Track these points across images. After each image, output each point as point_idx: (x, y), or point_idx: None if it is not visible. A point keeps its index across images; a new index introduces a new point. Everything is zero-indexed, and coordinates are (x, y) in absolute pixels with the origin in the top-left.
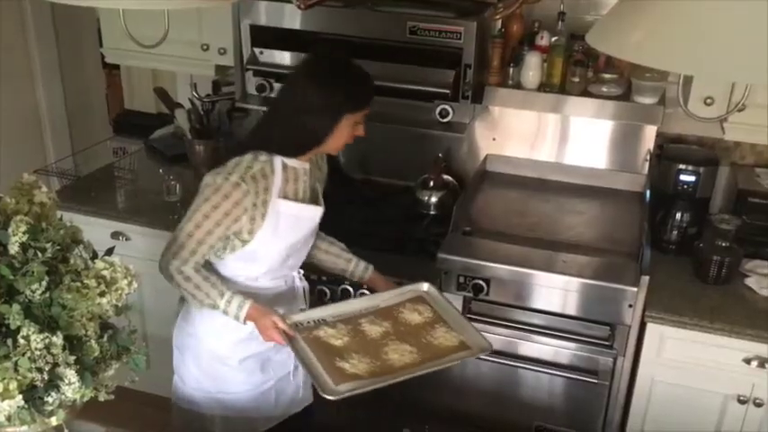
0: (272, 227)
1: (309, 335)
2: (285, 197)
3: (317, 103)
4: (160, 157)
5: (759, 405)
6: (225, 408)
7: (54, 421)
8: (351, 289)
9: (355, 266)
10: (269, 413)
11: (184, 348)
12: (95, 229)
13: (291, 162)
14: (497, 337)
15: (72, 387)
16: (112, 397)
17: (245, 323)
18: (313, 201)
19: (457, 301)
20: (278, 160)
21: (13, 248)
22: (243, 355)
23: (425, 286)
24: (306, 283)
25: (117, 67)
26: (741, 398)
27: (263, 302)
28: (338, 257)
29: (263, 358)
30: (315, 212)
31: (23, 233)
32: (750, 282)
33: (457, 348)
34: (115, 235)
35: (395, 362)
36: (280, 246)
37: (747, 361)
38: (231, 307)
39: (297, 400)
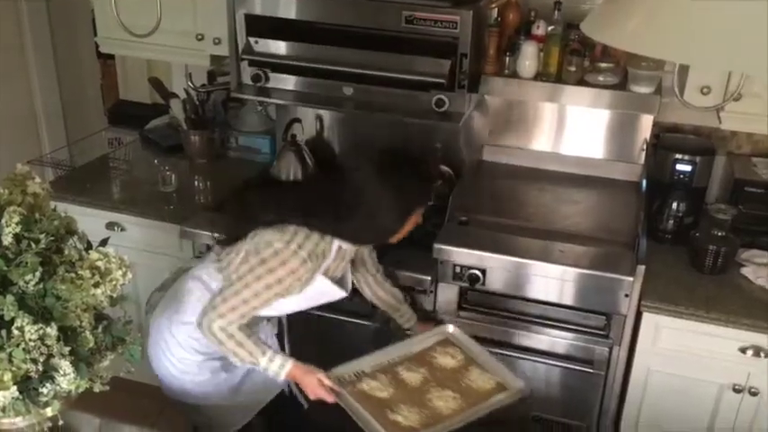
0: (298, 295)
1: (354, 389)
2: (325, 274)
3: (392, 205)
4: (155, 147)
5: (754, 394)
6: (197, 400)
7: (49, 412)
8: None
9: (402, 318)
10: (245, 404)
11: (158, 347)
12: (90, 220)
13: (347, 246)
14: (493, 327)
15: (67, 378)
16: (108, 388)
17: (283, 379)
18: (342, 281)
19: (453, 291)
20: (336, 243)
21: (7, 239)
22: (202, 358)
23: (451, 328)
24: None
25: (112, 57)
26: (736, 387)
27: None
28: (390, 307)
29: (222, 356)
30: (338, 294)
31: (17, 224)
32: (746, 271)
33: (495, 390)
34: (110, 225)
35: (442, 409)
36: (290, 307)
37: (743, 350)
38: (273, 365)
39: (270, 386)
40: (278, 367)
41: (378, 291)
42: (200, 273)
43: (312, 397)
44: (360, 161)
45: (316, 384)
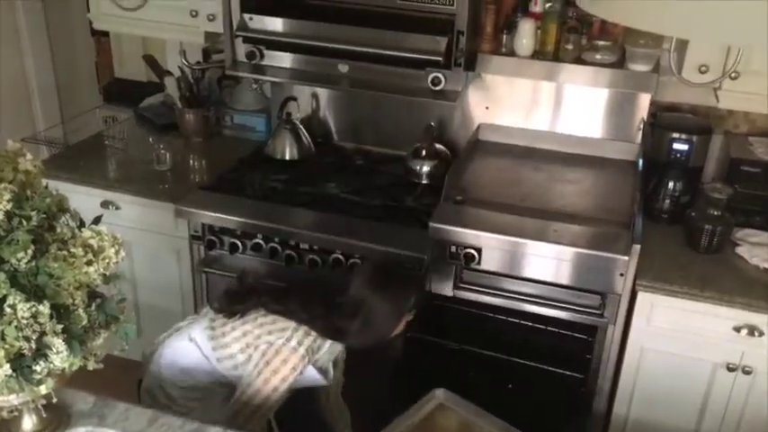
0: None
1: None
2: (313, 364)
3: (387, 314)
4: (150, 125)
5: (748, 373)
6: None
7: (43, 390)
8: (342, 257)
9: None
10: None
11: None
12: (85, 198)
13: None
14: (489, 306)
15: (60, 356)
16: (101, 366)
17: None
18: (326, 370)
19: (448, 270)
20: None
21: None
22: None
23: (441, 393)
24: None
25: (106, 34)
26: (730, 366)
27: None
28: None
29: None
30: (320, 382)
31: (8, 201)
32: (741, 251)
33: None
34: (105, 204)
35: None
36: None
37: (737, 329)
38: None
39: None
40: None
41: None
42: (195, 335)
43: None
44: (358, 268)
45: None
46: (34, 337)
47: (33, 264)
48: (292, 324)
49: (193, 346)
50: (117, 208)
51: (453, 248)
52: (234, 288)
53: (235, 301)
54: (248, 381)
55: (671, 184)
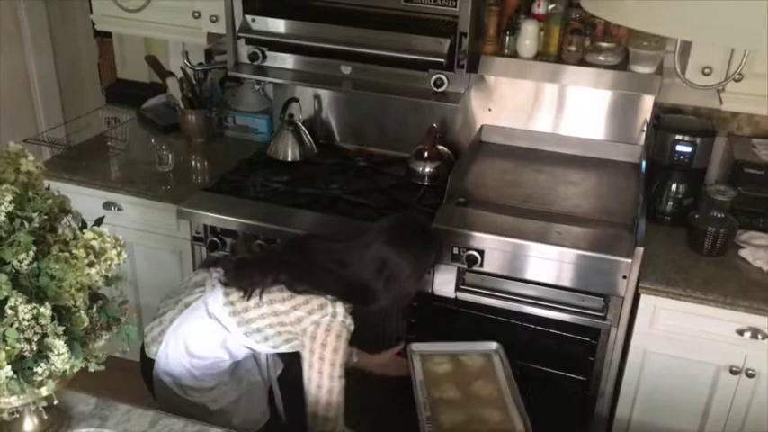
0: None
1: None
2: None
3: (412, 270)
4: (152, 126)
5: (751, 376)
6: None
7: (44, 391)
8: None
9: None
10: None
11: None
12: (87, 199)
13: None
14: (491, 308)
15: (61, 357)
16: (103, 367)
17: None
18: None
19: (451, 272)
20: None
21: (0, 218)
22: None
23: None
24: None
25: (109, 35)
26: (733, 368)
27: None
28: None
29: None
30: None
31: (9, 202)
32: (744, 253)
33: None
34: (107, 205)
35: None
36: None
37: (740, 332)
38: None
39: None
40: None
41: None
42: (213, 311)
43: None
44: (373, 228)
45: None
46: (35, 339)
47: (35, 265)
48: (327, 299)
49: (214, 322)
50: (119, 209)
51: (456, 250)
52: (244, 259)
53: (247, 274)
54: (310, 370)
55: (674, 187)
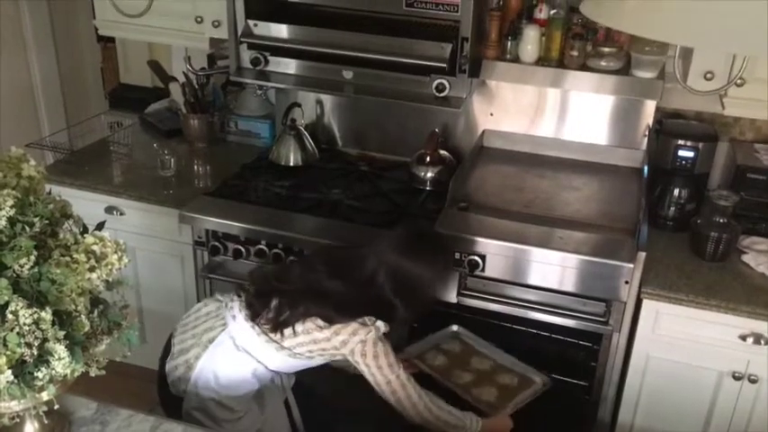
0: None
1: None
2: None
3: (430, 278)
4: (155, 131)
5: (754, 381)
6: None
7: (45, 396)
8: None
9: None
10: None
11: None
12: (89, 204)
13: None
14: (493, 313)
15: (62, 362)
16: (104, 372)
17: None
18: None
19: (452, 277)
20: None
21: (1, 223)
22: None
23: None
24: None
25: (112, 40)
26: (736, 374)
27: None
28: None
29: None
30: None
31: (11, 207)
32: (747, 258)
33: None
34: (109, 210)
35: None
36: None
37: (743, 337)
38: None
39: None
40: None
41: None
42: (242, 344)
43: None
44: (383, 240)
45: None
46: (36, 344)
47: (36, 270)
48: (368, 320)
49: (244, 354)
50: (121, 213)
51: (457, 255)
52: (262, 290)
53: (274, 308)
54: (378, 386)
55: (676, 192)
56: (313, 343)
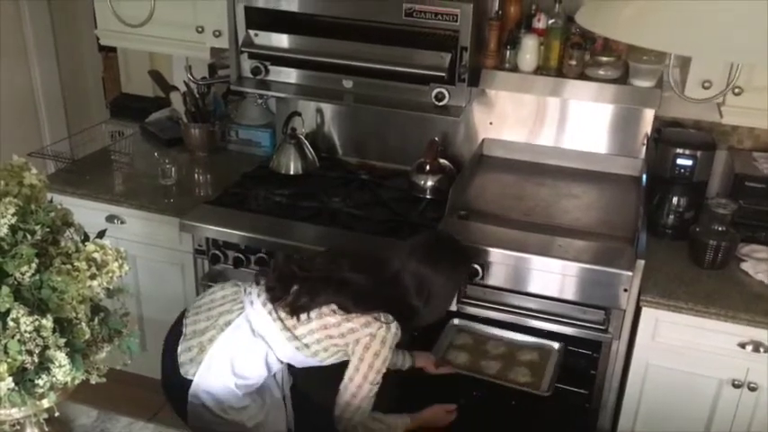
0: None
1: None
2: None
3: (452, 286)
4: (155, 140)
5: (753, 389)
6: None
7: (45, 403)
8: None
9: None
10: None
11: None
12: (90, 213)
13: None
14: (493, 321)
15: (63, 370)
16: (104, 380)
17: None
18: None
19: None
20: None
21: (2, 230)
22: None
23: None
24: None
25: (114, 50)
26: (736, 382)
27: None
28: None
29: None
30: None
31: (12, 215)
32: (746, 266)
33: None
34: (110, 218)
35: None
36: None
37: (742, 345)
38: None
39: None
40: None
41: None
42: (257, 328)
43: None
44: (405, 247)
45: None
46: (37, 351)
47: (37, 277)
48: (383, 315)
49: (259, 340)
50: (122, 222)
51: None
52: (284, 276)
53: (294, 293)
54: (356, 373)
55: (675, 200)
56: (323, 329)
